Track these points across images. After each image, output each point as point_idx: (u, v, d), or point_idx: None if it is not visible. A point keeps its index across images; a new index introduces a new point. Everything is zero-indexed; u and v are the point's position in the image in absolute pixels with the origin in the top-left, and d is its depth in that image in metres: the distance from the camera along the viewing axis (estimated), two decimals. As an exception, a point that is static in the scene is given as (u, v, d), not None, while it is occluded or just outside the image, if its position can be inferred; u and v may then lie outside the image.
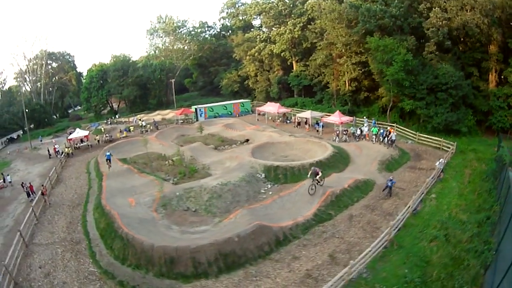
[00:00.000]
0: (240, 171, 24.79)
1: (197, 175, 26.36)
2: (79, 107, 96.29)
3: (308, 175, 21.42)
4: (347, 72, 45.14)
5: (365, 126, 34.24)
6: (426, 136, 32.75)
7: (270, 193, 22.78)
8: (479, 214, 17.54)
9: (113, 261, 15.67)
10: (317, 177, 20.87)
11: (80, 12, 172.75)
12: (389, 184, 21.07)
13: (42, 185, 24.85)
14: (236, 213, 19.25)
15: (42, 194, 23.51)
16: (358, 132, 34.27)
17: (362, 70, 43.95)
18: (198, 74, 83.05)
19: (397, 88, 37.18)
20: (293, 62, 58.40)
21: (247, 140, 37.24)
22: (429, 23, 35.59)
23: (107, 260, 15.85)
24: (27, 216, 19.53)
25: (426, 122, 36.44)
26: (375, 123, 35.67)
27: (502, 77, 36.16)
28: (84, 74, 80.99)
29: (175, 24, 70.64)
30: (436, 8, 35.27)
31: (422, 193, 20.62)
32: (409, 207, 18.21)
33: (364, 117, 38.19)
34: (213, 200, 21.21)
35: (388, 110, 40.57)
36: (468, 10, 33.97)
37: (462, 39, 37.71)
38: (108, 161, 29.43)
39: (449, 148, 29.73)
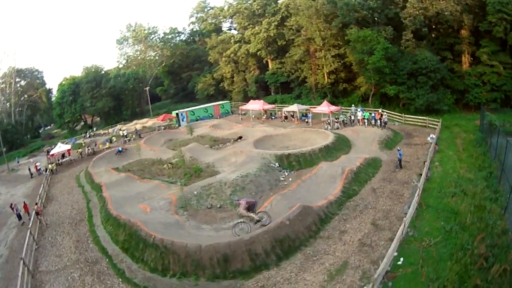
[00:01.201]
0: (254, 163, 23.26)
1: (204, 174, 24.45)
2: (49, 127, 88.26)
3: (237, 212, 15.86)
4: (326, 65, 44.67)
5: (359, 111, 33.84)
6: (412, 116, 33.84)
7: (290, 179, 22.00)
8: (482, 172, 19.68)
9: (151, 274, 13.19)
10: (249, 213, 15.03)
11: (46, 25, 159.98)
12: (400, 156, 22.10)
13: (36, 204, 21.38)
14: (270, 200, 18.00)
15: (37, 214, 20.07)
16: (352, 118, 34.24)
17: (341, 62, 43.72)
18: (169, 81, 79.25)
19: (378, 75, 37.39)
20: (269, 60, 57.08)
21: (240, 137, 35.39)
22: (406, 13, 36.34)
23: (142, 275, 13.28)
24: (26, 241, 16.06)
25: (408, 104, 37.03)
26: (362, 110, 35.45)
27: (472, 58, 37.43)
28: (54, 90, 74.33)
29: (146, 31, 66.56)
30: (413, -2, 35.97)
31: (427, 163, 21.27)
32: (423, 174, 18.90)
33: (352, 105, 37.79)
34: (237, 193, 19.50)
35: (370, 97, 40.62)
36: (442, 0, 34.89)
37: (434, 26, 38.63)
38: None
39: (435, 125, 30.70)
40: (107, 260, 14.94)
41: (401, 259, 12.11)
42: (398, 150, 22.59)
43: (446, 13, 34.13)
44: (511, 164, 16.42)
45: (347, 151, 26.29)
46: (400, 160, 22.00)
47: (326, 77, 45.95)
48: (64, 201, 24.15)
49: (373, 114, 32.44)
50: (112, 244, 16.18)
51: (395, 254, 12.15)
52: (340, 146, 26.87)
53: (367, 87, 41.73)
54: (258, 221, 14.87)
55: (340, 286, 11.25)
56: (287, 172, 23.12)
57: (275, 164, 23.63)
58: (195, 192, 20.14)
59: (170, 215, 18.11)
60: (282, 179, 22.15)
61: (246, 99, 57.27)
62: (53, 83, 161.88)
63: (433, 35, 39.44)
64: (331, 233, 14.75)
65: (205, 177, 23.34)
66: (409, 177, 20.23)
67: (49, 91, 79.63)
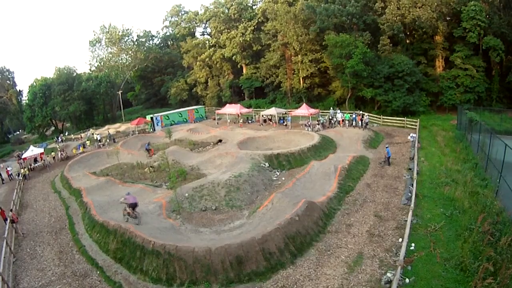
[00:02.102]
0: (244, 163, 22.13)
1: (190, 176, 22.95)
2: (19, 132, 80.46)
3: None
4: (302, 70, 44.69)
5: (339, 113, 33.97)
6: (390, 118, 34.48)
7: (283, 178, 21.29)
8: (467, 164, 20.53)
9: (154, 286, 11.57)
10: (130, 210, 15.43)
11: (18, 22, 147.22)
12: (388, 154, 22.35)
13: (11, 210, 18.68)
14: (271, 198, 16.99)
15: (13, 222, 17.46)
16: (334, 120, 34.23)
17: (317, 67, 43.94)
18: (141, 86, 75.56)
19: (356, 79, 37.84)
20: (243, 65, 56.18)
21: (220, 141, 34.10)
22: (384, 19, 37.23)
23: (143, 287, 11.67)
24: (2, 254, 13.60)
25: (385, 106, 37.65)
26: (341, 112, 35.77)
27: (444, 63, 39.18)
28: (25, 92, 67.43)
29: (120, 33, 62.94)
30: (391, 5, 36.91)
31: (415, 157, 22.08)
32: (414, 167, 19.77)
33: (331, 108, 37.95)
34: (232, 194, 18.39)
35: (347, 100, 41.13)
36: (419, 7, 36.08)
37: (409, 32, 39.80)
38: (148, 151, 30.60)
39: (413, 125, 31.55)
40: (98, 272, 13.01)
41: (412, 244, 12.33)
42: (387, 147, 22.81)
43: (422, 20, 35.23)
44: (494, 155, 17.81)
45: (333, 151, 26.08)
46: (388, 158, 22.31)
47: (301, 82, 45.99)
48: (40, 208, 21.44)
49: (353, 116, 32.68)
50: (102, 254, 14.22)
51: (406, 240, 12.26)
52: (327, 146, 26.58)
53: (343, 91, 42.28)
54: (135, 218, 15.37)
55: (362, 276, 10.97)
56: (278, 171, 22.36)
57: (265, 164, 22.68)
58: (186, 194, 18.61)
59: (163, 220, 16.49)
60: (275, 178, 21.35)
61: (220, 104, 56.17)
62: (24, 84, 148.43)
63: (407, 41, 40.64)
64: (338, 227, 14.43)
65: (191, 179, 21.89)
66: (399, 172, 20.62)
67: (20, 93, 72.32)
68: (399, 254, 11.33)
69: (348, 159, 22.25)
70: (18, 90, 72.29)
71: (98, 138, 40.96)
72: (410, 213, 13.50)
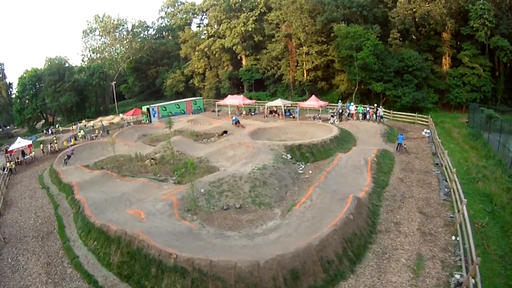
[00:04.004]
0: (265, 154, 18.86)
1: (199, 170, 19.20)
2: (9, 127, 74.01)
3: None
4: (307, 62, 41.45)
5: (352, 106, 31.01)
6: (400, 113, 31.97)
7: (310, 172, 18.20)
8: (490, 160, 19.63)
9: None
10: None
11: (8, 13, 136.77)
12: (399, 141, 21.37)
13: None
14: (309, 193, 14.04)
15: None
16: (347, 112, 31.34)
17: (323, 59, 40.82)
18: (134, 78, 70.53)
19: (365, 72, 35.17)
20: (243, 56, 52.37)
21: (226, 132, 30.57)
22: (395, 13, 35.16)
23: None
24: None
25: (393, 102, 35.13)
26: (349, 105, 32.92)
27: (450, 60, 37.20)
28: (15, 85, 61.65)
29: (115, 22, 57.78)
30: (402, -1, 34.65)
31: (444, 153, 19.86)
32: (446, 163, 17.48)
33: (339, 101, 34.96)
34: (258, 189, 15.14)
35: (354, 94, 38.25)
36: (430, 2, 34.06)
37: (416, 28, 37.67)
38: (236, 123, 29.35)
39: (424, 122, 29.23)
40: (99, 293, 9.55)
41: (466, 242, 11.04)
42: (400, 134, 21.73)
43: (433, 15, 33.44)
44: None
45: (354, 144, 23.23)
46: (399, 144, 21.25)
47: (305, 74, 42.81)
48: (25, 207, 17.61)
49: (367, 109, 29.91)
50: (102, 269, 10.72)
51: (458, 239, 11.06)
52: (348, 138, 23.71)
53: (348, 85, 39.45)
54: None
55: (429, 280, 9.44)
56: (302, 164, 19.18)
57: (287, 156, 19.46)
58: (202, 190, 15.10)
59: (176, 222, 12.96)
60: (300, 171, 18.16)
61: (218, 96, 52.30)
62: (15, 77, 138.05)
63: (414, 37, 38.44)
64: (387, 226, 12.49)
65: (201, 173, 18.32)
66: (427, 167, 18.70)
67: (10, 85, 66.15)
68: (457, 254, 10.34)
69: (373, 152, 19.78)
70: (8, 83, 66.06)
71: (91, 128, 36.51)
72: (464, 207, 11.37)
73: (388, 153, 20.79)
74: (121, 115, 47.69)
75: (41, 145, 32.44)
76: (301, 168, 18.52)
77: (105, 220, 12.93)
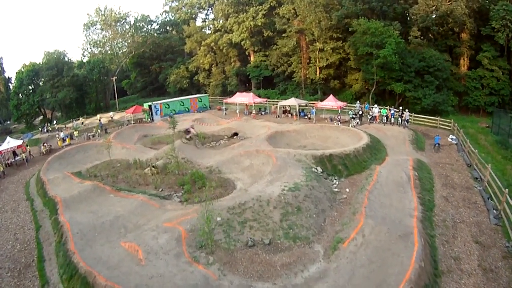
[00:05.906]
0: (292, 168, 15.17)
1: (210, 182, 15.51)
2: (9, 122, 70.14)
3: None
4: (321, 59, 37.73)
5: (375, 108, 27.44)
6: (422, 116, 28.20)
7: (347, 190, 14.71)
8: None
9: None
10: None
11: (6, 6, 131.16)
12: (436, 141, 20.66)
13: None
14: (359, 227, 10.72)
15: None
16: (370, 114, 27.84)
17: (338, 56, 37.18)
18: (136, 74, 66.49)
19: (384, 71, 31.67)
20: (251, 52, 48.54)
21: (236, 134, 27.22)
22: (417, 9, 32.10)
23: None
24: None
25: (413, 104, 31.57)
26: (368, 107, 29.93)
27: (468, 61, 34.22)
28: (14, 79, 58.17)
29: (117, 15, 53.56)
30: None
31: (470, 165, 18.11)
32: (478, 179, 16.09)
33: (357, 102, 31.29)
34: (291, 217, 11.57)
35: (370, 94, 34.66)
36: (451, 1, 31.11)
37: (435, 27, 34.34)
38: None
39: (446, 126, 26.11)
40: None
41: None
42: (437, 136, 21.20)
43: (455, 14, 30.49)
44: None
45: (386, 153, 19.79)
46: (435, 145, 20.50)
47: (318, 72, 39.10)
48: (5, 225, 14.20)
49: (392, 111, 26.38)
50: None
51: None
52: (378, 146, 20.13)
53: (362, 84, 35.91)
54: None
55: None
56: (336, 179, 15.59)
57: (317, 169, 15.85)
58: (219, 219, 11.43)
59: (188, 267, 9.38)
60: (336, 190, 14.52)
61: (225, 94, 48.53)
62: (13, 71, 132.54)
63: (430, 36, 35.12)
64: (448, 264, 10.23)
65: (214, 188, 14.71)
66: (466, 182, 16.05)
67: (9, 80, 62.03)
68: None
69: (410, 163, 16.92)
70: (6, 77, 61.80)
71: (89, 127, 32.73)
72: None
73: (424, 165, 17.69)
74: (111, 113, 44.07)
75: (35, 145, 28.67)
76: (335, 185, 14.90)
77: (92, 258, 9.44)
